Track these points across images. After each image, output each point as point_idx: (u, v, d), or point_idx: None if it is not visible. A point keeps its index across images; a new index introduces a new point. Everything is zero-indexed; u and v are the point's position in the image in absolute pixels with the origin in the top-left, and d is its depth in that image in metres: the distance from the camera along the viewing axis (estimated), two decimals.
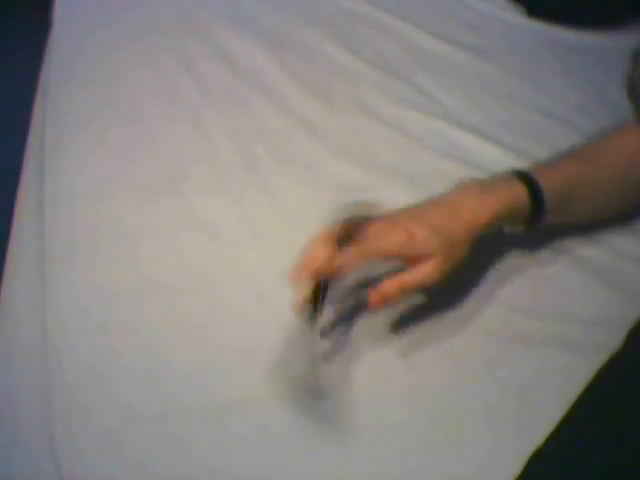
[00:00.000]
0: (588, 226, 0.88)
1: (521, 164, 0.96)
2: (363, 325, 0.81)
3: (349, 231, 0.74)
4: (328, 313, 0.78)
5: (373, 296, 0.73)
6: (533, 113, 1.05)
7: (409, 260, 0.74)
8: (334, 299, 0.78)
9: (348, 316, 0.81)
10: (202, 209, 0.92)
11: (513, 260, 0.87)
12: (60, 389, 0.76)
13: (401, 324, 0.81)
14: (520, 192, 0.78)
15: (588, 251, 0.87)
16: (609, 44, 1.15)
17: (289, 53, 1.14)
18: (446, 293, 0.84)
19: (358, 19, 1.20)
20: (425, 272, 0.74)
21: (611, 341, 0.75)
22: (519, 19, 1.21)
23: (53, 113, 1.07)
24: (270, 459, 0.71)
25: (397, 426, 0.73)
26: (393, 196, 0.94)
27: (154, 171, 0.98)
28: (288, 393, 0.74)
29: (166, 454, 0.72)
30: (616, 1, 1.19)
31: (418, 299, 0.81)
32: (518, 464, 0.67)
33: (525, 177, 0.79)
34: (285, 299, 0.83)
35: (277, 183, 0.96)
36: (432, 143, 1.01)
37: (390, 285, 0.74)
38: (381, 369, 0.77)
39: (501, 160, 0.98)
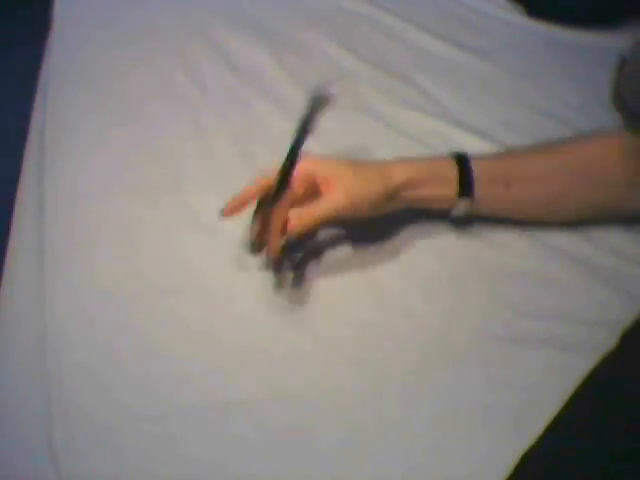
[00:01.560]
0: (534, 225, 0.88)
1: None
2: (363, 324, 0.81)
3: None
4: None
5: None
6: (533, 113, 1.05)
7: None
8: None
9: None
10: (202, 209, 0.92)
11: (513, 260, 0.87)
12: (59, 389, 0.76)
13: (400, 324, 0.81)
14: (445, 158, 0.82)
15: (588, 252, 0.87)
16: (609, 44, 1.15)
17: (289, 53, 1.14)
18: (446, 293, 0.84)
19: (358, 19, 1.20)
20: (331, 200, 0.78)
21: (611, 342, 0.75)
22: (519, 19, 1.21)
23: (53, 113, 1.07)
24: (270, 459, 0.71)
25: (397, 426, 0.73)
26: None
27: (154, 171, 0.98)
28: None
29: (165, 454, 0.71)
30: (616, 1, 1.19)
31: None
32: None
33: (458, 154, 0.83)
34: (285, 299, 0.83)
35: None
36: (432, 143, 1.01)
37: (296, 217, 0.77)
38: (381, 369, 0.77)
39: None
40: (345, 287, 0.84)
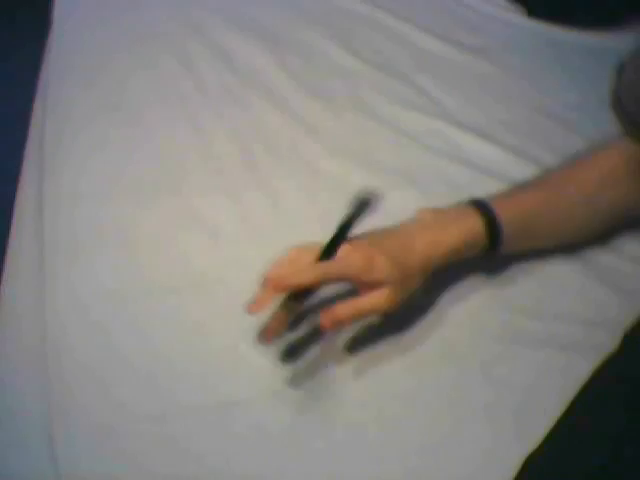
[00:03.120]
0: (564, 247, 0.87)
1: (521, 164, 0.97)
2: (363, 324, 0.81)
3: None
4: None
5: (325, 318, 0.72)
6: (533, 113, 1.05)
7: (363, 286, 0.74)
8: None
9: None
10: (202, 209, 0.92)
11: (512, 260, 0.87)
12: (59, 389, 0.76)
13: (400, 324, 0.81)
14: (476, 223, 0.78)
15: (587, 251, 0.87)
16: (609, 44, 1.15)
17: (289, 53, 1.14)
18: (446, 293, 0.84)
19: (358, 19, 1.20)
20: (378, 300, 0.73)
21: (611, 341, 0.75)
22: (519, 19, 1.21)
23: (53, 113, 1.07)
24: (270, 459, 0.71)
25: (397, 426, 0.73)
26: (393, 196, 0.94)
27: (154, 171, 0.98)
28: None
29: (165, 454, 0.71)
30: (616, 1, 1.19)
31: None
32: (518, 464, 0.67)
33: (481, 207, 0.79)
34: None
35: (277, 183, 0.96)
36: (432, 143, 1.01)
37: (343, 308, 0.73)
38: (381, 369, 0.77)
39: (501, 160, 0.98)
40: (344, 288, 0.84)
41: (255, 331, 0.81)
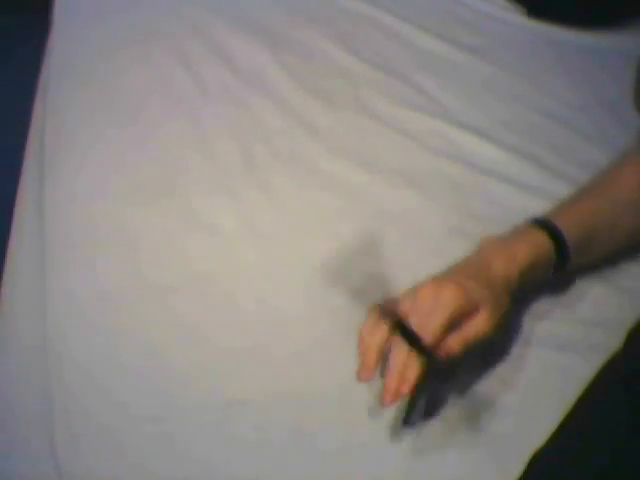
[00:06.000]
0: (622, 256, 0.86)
1: (521, 164, 0.97)
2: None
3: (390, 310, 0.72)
4: None
5: (441, 351, 0.71)
6: (533, 113, 1.05)
7: (462, 317, 0.72)
8: None
9: None
10: (201, 209, 0.92)
11: None
12: (60, 389, 0.76)
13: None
14: (540, 237, 0.78)
15: None
16: (609, 44, 1.15)
17: (289, 53, 1.14)
18: None
19: (358, 19, 1.20)
20: (481, 324, 0.72)
21: (611, 341, 0.75)
22: (519, 19, 1.21)
23: (53, 113, 1.07)
24: (270, 459, 0.71)
25: (397, 426, 0.73)
26: (393, 196, 0.94)
27: (153, 171, 0.98)
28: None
29: (165, 454, 0.72)
30: (616, 1, 1.19)
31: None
32: (518, 465, 0.67)
33: (540, 223, 0.79)
34: (284, 298, 0.83)
35: (277, 183, 0.96)
36: (432, 143, 1.01)
37: (454, 340, 0.71)
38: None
39: (501, 160, 0.98)
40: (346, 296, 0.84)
41: (256, 331, 0.81)
